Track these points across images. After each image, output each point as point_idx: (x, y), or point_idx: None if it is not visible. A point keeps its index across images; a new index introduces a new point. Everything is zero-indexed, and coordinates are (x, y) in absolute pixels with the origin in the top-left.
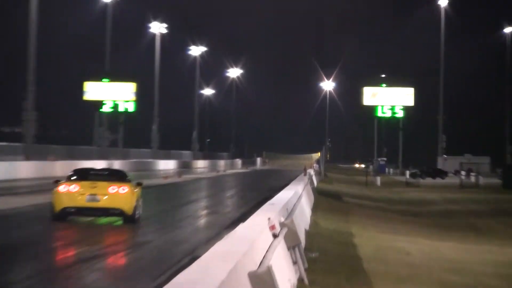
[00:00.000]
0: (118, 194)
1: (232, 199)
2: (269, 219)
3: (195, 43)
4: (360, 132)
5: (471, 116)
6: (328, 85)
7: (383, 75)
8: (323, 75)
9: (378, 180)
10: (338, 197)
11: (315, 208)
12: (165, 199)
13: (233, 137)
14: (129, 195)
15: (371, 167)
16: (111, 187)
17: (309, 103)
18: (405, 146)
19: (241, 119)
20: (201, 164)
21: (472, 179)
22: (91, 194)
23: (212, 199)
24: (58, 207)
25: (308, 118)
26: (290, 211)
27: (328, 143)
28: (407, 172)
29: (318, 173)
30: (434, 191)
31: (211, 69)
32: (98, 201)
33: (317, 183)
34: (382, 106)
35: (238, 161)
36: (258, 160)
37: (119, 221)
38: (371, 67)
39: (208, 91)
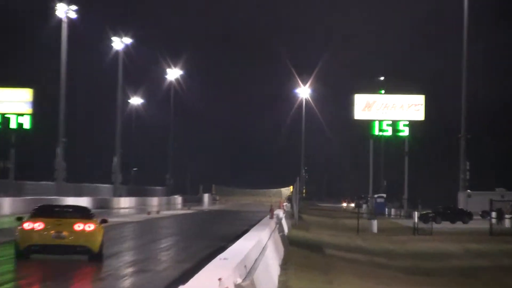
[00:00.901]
0: (85, 232)
1: (169, 251)
2: (220, 280)
3: (118, 34)
4: (349, 158)
5: (506, 135)
6: (304, 91)
7: (382, 78)
8: (298, 79)
9: (375, 224)
10: (318, 248)
11: (285, 264)
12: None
13: (170, 165)
14: (96, 233)
15: (364, 206)
16: (77, 224)
17: (278, 118)
18: (412, 177)
19: (183, 139)
20: (125, 203)
21: (507, 223)
22: (57, 231)
23: (141, 252)
24: (23, 244)
25: (277, 139)
26: (250, 269)
27: (304, 173)
28: (415, 214)
29: (290, 216)
30: (453, 240)
31: (142, 70)
32: (64, 238)
33: (288, 230)
34: (381, 121)
35: (178, 199)
36: (206, 197)
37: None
38: (365, 70)
39: (136, 100)
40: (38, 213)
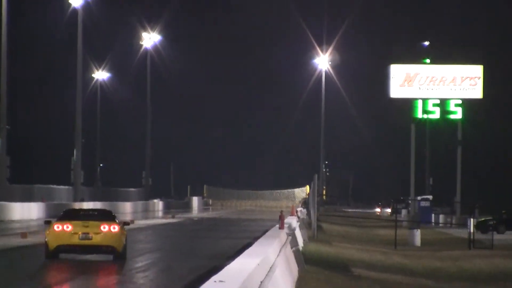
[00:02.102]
0: (110, 233)
1: (146, 273)
2: None
3: None
4: (384, 150)
5: None
6: (324, 61)
7: (427, 43)
8: (316, 46)
9: (418, 236)
10: (344, 268)
11: None
12: (21, 274)
13: (147, 160)
14: (120, 234)
15: (404, 212)
16: (102, 226)
17: (290, 99)
18: (467, 173)
19: (164, 126)
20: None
21: None
22: (84, 233)
23: (112, 274)
24: (53, 245)
25: (290, 126)
26: None
27: (324, 170)
28: (471, 222)
29: (306, 225)
30: None
31: (109, 36)
32: (90, 239)
33: (304, 243)
34: (425, 99)
35: (158, 204)
36: (195, 201)
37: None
38: (403, 33)
39: (102, 75)
40: (66, 216)
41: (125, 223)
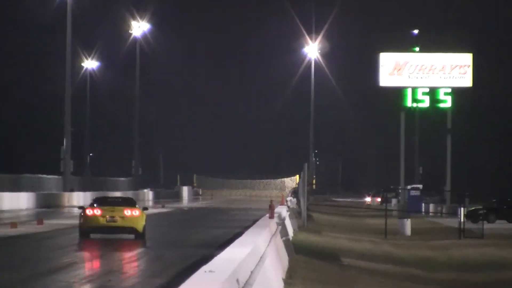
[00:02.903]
0: (132, 216)
1: (137, 262)
2: None
3: None
4: (373, 138)
5: None
6: (313, 50)
7: (415, 31)
8: (305, 34)
9: (408, 225)
10: (334, 257)
11: (290, 278)
12: (16, 262)
13: (136, 148)
14: (140, 217)
15: (394, 201)
16: (126, 210)
17: (279, 87)
18: (457, 162)
19: (154, 115)
20: (79, 200)
21: None
22: (111, 216)
23: (102, 263)
24: (85, 226)
25: (278, 115)
26: (244, 284)
27: (314, 158)
28: (461, 211)
29: (296, 214)
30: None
31: (98, 24)
32: (116, 221)
33: (294, 233)
34: (415, 88)
35: (148, 193)
36: (185, 190)
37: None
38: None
39: (91, 64)
40: (96, 202)
41: (145, 208)
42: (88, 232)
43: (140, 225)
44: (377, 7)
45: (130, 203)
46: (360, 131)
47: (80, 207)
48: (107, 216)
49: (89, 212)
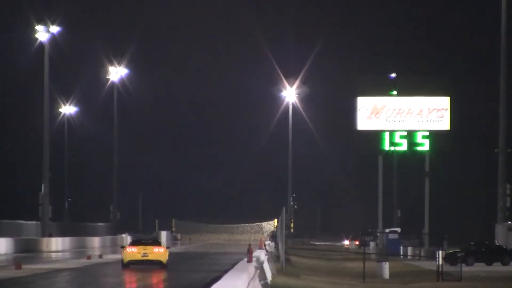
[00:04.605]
0: (159, 252)
1: None
2: None
3: (43, 22)
4: (351, 182)
5: None
6: (291, 94)
7: (393, 75)
8: (283, 79)
9: (386, 268)
10: None
11: None
12: None
13: (114, 193)
14: (165, 253)
15: (372, 245)
16: (154, 248)
17: (257, 131)
18: (435, 205)
19: (132, 159)
20: (57, 245)
21: None
22: (144, 253)
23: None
24: (126, 260)
25: (257, 159)
26: None
27: (292, 202)
28: (440, 254)
29: (274, 258)
30: None
31: (76, 70)
32: (148, 256)
33: (273, 276)
34: (392, 131)
35: (126, 238)
36: (164, 235)
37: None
38: (370, 66)
39: (69, 109)
40: (133, 243)
41: (168, 247)
42: (128, 264)
43: (165, 259)
44: (355, 52)
45: (157, 243)
46: (338, 174)
47: (122, 246)
48: (142, 252)
49: (129, 250)
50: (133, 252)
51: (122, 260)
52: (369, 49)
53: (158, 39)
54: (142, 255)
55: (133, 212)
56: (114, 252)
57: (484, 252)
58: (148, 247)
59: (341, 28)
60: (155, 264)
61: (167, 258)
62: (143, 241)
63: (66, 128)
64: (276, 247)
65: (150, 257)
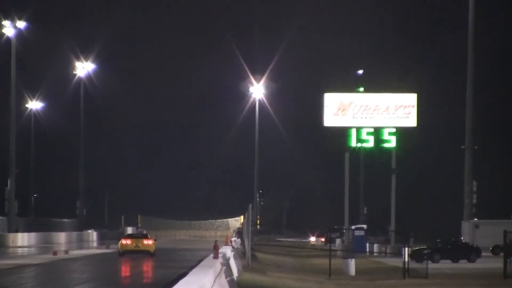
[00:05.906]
0: (148, 244)
1: None
2: None
3: (10, 17)
4: (318, 178)
5: None
6: (258, 90)
7: (360, 72)
8: (250, 75)
9: (352, 265)
10: None
11: None
12: None
13: (81, 189)
14: (153, 244)
15: (338, 241)
16: (144, 241)
17: (224, 127)
18: (402, 202)
19: (99, 155)
20: (23, 241)
21: None
22: (136, 244)
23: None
24: (121, 250)
25: (223, 155)
26: None
27: (258, 199)
28: (406, 250)
29: (240, 254)
30: (455, 285)
31: (43, 65)
32: (139, 247)
33: (239, 273)
34: (359, 128)
35: (92, 234)
36: (130, 231)
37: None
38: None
39: (35, 104)
40: (127, 236)
41: (155, 240)
42: (123, 253)
43: (153, 249)
44: (322, 48)
45: (146, 236)
46: (305, 171)
47: (118, 240)
48: (134, 244)
49: (124, 242)
50: (127, 244)
51: (118, 250)
52: (336, 46)
53: (127, 35)
54: (134, 246)
55: (99, 208)
56: (80, 248)
57: (450, 249)
58: (140, 239)
59: (308, 24)
60: (145, 254)
61: (154, 248)
62: (134, 235)
63: (33, 123)
64: (243, 243)
65: (141, 247)
